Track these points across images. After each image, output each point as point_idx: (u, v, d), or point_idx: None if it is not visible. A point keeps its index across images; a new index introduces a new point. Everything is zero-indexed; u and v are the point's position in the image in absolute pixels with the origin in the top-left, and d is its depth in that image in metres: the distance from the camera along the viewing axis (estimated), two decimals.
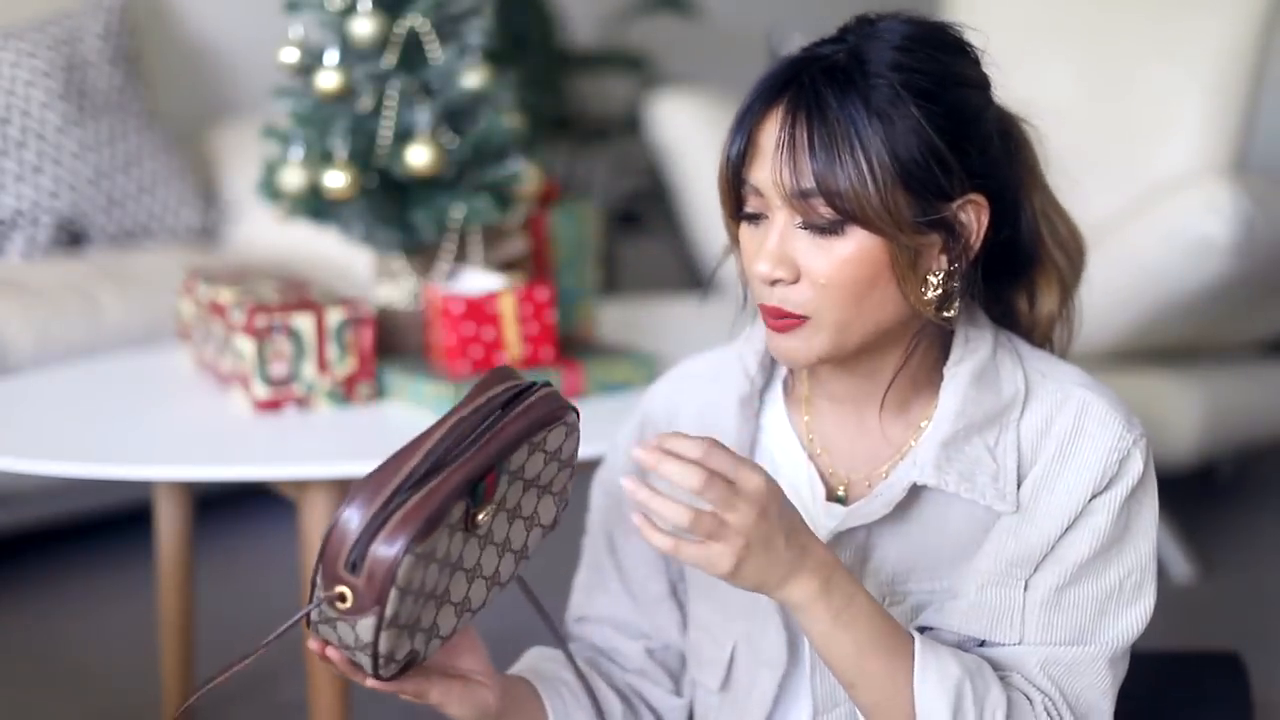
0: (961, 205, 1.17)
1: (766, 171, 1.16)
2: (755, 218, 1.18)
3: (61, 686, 2.45)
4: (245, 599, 2.75)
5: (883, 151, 1.13)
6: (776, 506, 1.09)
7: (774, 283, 1.16)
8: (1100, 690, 1.19)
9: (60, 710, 2.38)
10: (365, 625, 1.07)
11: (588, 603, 1.38)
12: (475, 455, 1.10)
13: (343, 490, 1.75)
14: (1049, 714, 1.16)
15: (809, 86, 1.15)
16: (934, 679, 1.12)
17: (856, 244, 1.14)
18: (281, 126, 2.01)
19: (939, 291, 1.18)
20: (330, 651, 1.11)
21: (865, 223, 1.14)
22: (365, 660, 1.09)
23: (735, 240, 1.23)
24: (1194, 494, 3.20)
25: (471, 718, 1.21)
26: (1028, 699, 1.16)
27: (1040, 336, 1.32)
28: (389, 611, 1.06)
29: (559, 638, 1.28)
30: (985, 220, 1.19)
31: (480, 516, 1.10)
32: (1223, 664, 1.60)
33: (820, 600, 1.11)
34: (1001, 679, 1.17)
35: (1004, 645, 1.19)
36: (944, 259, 1.18)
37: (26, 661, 2.54)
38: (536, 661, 1.33)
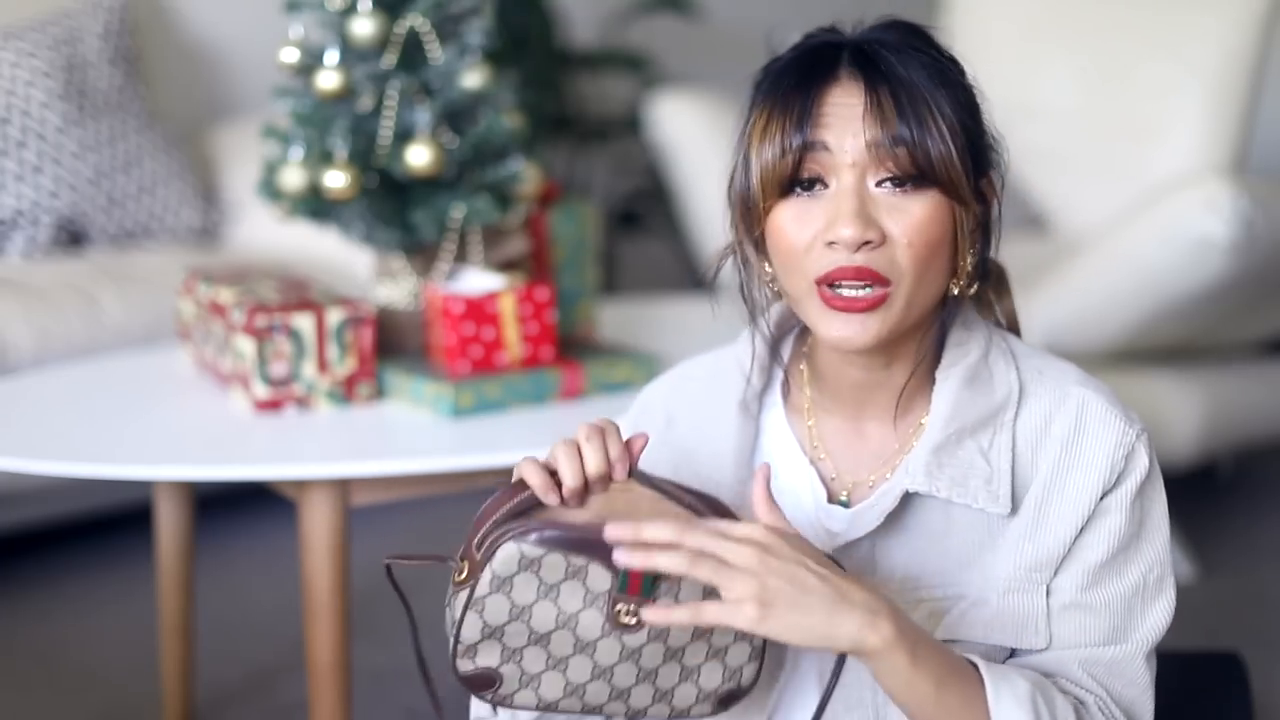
0: (988, 179, 1.20)
1: (840, 134, 1.13)
2: (811, 187, 1.15)
3: (61, 686, 2.45)
4: (245, 599, 2.75)
5: (953, 115, 1.14)
6: (787, 547, 1.06)
7: (860, 247, 1.13)
8: (1141, 686, 1.19)
9: (60, 710, 2.37)
10: (460, 600, 1.09)
11: None
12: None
13: (343, 490, 1.75)
14: (1104, 713, 1.17)
15: (871, 55, 1.14)
16: (1009, 699, 1.11)
17: (931, 205, 1.14)
18: (281, 126, 2.01)
19: (970, 269, 1.20)
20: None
21: (946, 186, 1.14)
22: (450, 642, 1.10)
23: (749, 234, 1.21)
24: (1194, 494, 3.20)
25: None
26: (1082, 702, 1.17)
27: (1010, 319, 1.32)
28: (478, 591, 1.08)
29: None
30: (996, 197, 1.21)
31: (618, 609, 1.08)
32: (1223, 664, 1.60)
33: (898, 644, 1.06)
34: (1066, 691, 1.17)
35: (1035, 651, 1.19)
36: (976, 233, 1.20)
37: (26, 661, 2.54)
38: None
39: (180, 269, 2.72)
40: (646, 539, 1.04)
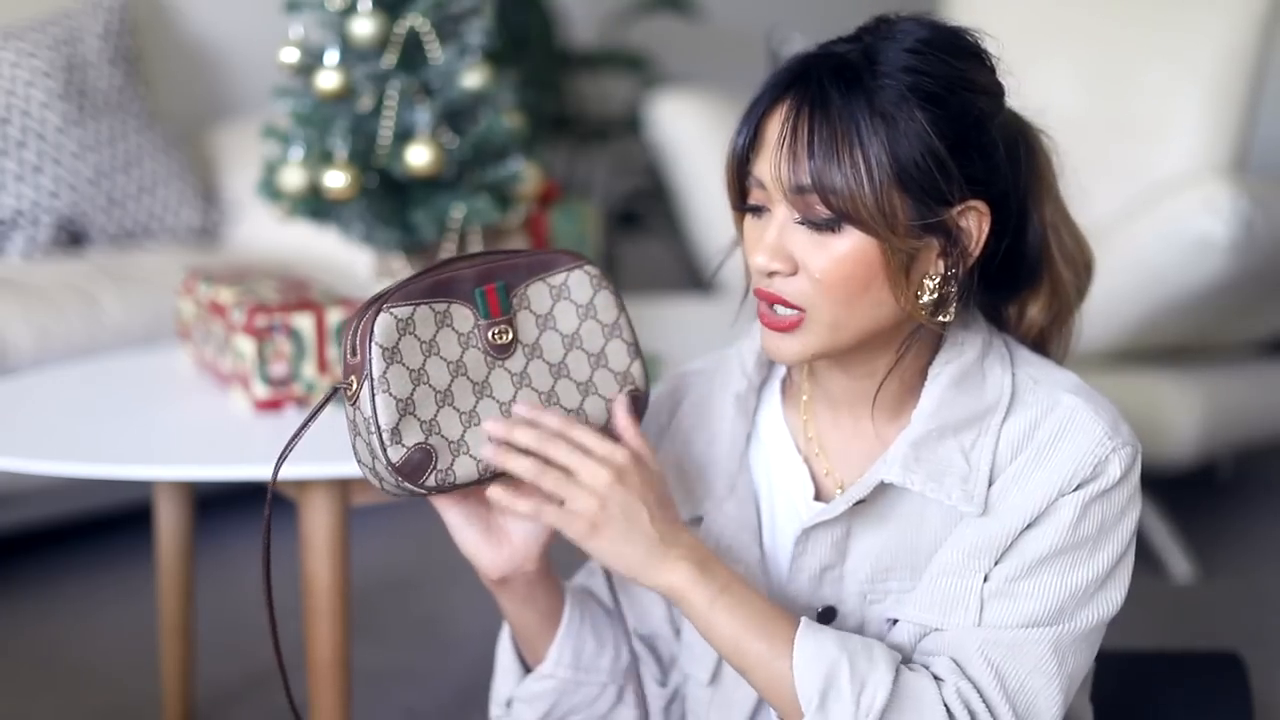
0: (962, 211, 1.17)
1: (768, 165, 1.17)
2: (758, 210, 1.19)
3: (61, 686, 2.45)
4: (245, 599, 2.75)
5: (882, 153, 1.13)
6: (638, 479, 1.15)
7: (771, 274, 1.17)
8: (1046, 674, 1.16)
9: (60, 710, 2.38)
10: (365, 397, 1.14)
11: (587, 580, 1.41)
12: (471, 265, 1.18)
13: (343, 490, 1.75)
14: (962, 696, 1.14)
15: (815, 83, 1.15)
16: (808, 658, 1.13)
17: (852, 243, 1.15)
18: (281, 126, 2.01)
19: (934, 296, 1.18)
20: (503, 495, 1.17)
21: (859, 223, 1.14)
22: (376, 442, 1.14)
23: (741, 238, 1.24)
24: (1194, 494, 3.20)
25: (483, 566, 1.24)
26: (937, 682, 1.15)
27: (1036, 340, 1.32)
28: (375, 370, 1.13)
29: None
30: (986, 227, 1.19)
31: (490, 335, 1.17)
32: (1223, 664, 1.60)
33: (695, 587, 1.15)
34: (919, 668, 1.16)
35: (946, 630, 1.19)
36: (941, 263, 1.18)
37: (26, 661, 2.54)
38: (583, 578, 1.40)
39: (180, 269, 2.72)
40: (516, 439, 1.15)
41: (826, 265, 1.15)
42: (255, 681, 2.41)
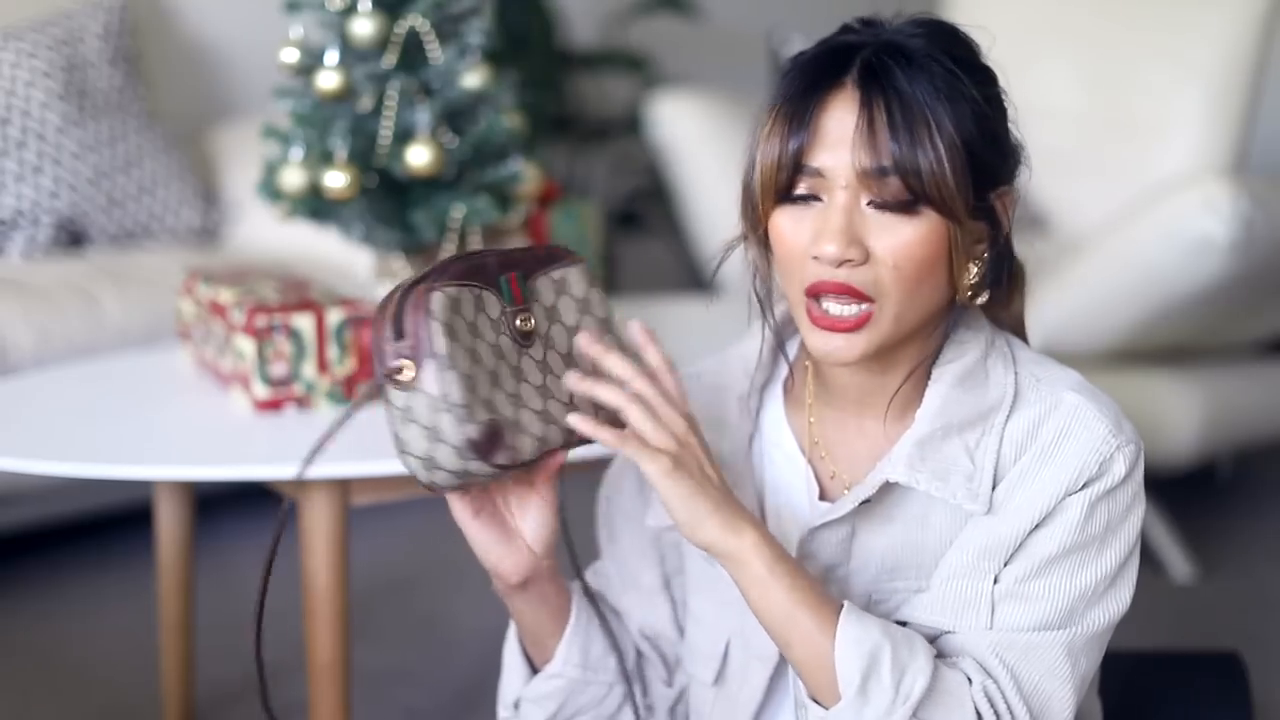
0: (999, 193, 1.18)
1: (835, 154, 1.14)
2: (806, 199, 1.16)
3: (61, 686, 2.45)
4: (245, 599, 2.75)
5: (953, 133, 1.13)
6: (702, 435, 1.16)
7: (842, 264, 1.14)
8: (1060, 677, 1.17)
9: (60, 710, 2.38)
10: (429, 376, 1.10)
11: (594, 580, 1.41)
12: (490, 255, 1.19)
13: (343, 490, 1.75)
14: (988, 696, 1.15)
15: (878, 68, 1.14)
16: (851, 639, 1.13)
17: (926, 226, 1.14)
18: (281, 126, 2.01)
19: (976, 281, 1.19)
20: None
21: (938, 205, 1.13)
22: (449, 419, 1.10)
23: (754, 231, 1.21)
24: (1194, 494, 3.20)
25: (505, 571, 1.23)
26: (968, 680, 1.15)
27: (1015, 322, 1.32)
28: (440, 347, 1.10)
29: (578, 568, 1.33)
30: (1014, 210, 1.20)
31: (517, 322, 1.17)
32: (1223, 664, 1.60)
33: (759, 551, 1.14)
34: (952, 664, 1.16)
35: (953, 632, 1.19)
36: (981, 247, 1.19)
37: (26, 661, 2.54)
38: (589, 579, 1.39)
39: (180, 269, 2.72)
40: (605, 366, 1.15)
41: (900, 249, 1.14)
42: (255, 682, 2.41)
